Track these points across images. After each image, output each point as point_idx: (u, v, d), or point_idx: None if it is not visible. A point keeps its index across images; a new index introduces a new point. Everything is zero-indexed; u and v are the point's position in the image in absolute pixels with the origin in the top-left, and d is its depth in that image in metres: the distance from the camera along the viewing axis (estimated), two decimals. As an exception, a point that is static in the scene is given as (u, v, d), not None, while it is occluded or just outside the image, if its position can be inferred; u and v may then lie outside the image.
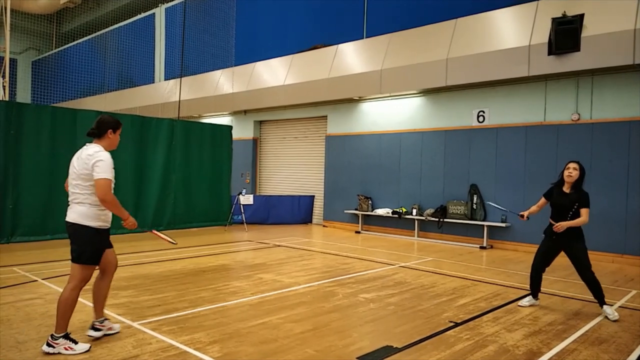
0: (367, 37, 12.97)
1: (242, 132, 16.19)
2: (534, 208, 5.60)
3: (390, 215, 11.86)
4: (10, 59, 15.59)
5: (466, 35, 10.47)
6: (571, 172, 5.27)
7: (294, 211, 13.94)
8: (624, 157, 8.83)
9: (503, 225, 10.13)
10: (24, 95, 24.61)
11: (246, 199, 12.89)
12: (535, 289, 5.64)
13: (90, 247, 3.90)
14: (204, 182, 12.43)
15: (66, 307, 3.81)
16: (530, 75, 9.47)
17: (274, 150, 15.97)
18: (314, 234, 12.14)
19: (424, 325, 4.78)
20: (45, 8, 24.65)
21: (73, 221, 3.90)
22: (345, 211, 13.07)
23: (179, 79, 15.95)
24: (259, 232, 12.15)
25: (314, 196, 14.28)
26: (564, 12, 8.82)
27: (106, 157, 3.88)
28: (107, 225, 4.06)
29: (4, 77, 14.26)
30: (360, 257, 8.81)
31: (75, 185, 3.91)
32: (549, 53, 9.03)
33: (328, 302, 5.54)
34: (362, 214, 12.58)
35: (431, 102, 11.67)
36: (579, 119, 9.41)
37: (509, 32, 9.86)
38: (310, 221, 14.22)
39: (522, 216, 5.57)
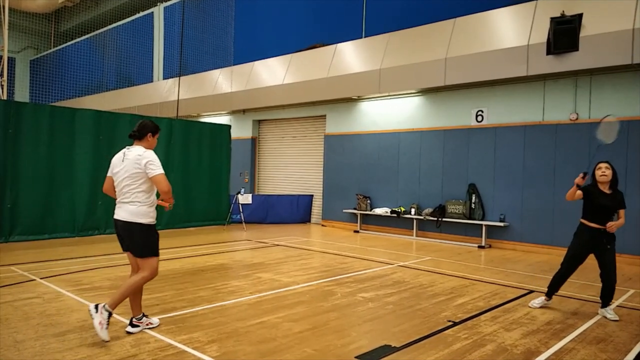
0: (365, 36, 12.97)
1: (240, 131, 16.18)
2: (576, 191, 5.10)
3: (389, 214, 11.86)
4: (9, 58, 15.56)
5: (465, 35, 10.47)
6: (604, 171, 5.09)
7: (292, 210, 13.94)
8: (622, 157, 8.83)
9: (501, 224, 10.14)
10: (22, 94, 24.58)
11: (245, 198, 12.89)
12: (553, 291, 5.47)
13: (148, 241, 4.24)
14: (202, 182, 12.43)
15: (128, 289, 4.16)
16: (529, 75, 9.48)
17: (273, 150, 15.96)
18: (312, 234, 12.14)
19: (422, 324, 4.78)
20: (44, 7, 24.59)
21: (125, 219, 4.18)
22: (344, 210, 13.07)
23: (177, 78, 15.95)
24: (258, 231, 12.15)
25: (312, 195, 14.28)
26: (563, 11, 8.83)
27: (154, 155, 4.24)
28: (155, 221, 4.31)
29: (2, 76, 14.24)
30: (358, 256, 8.81)
31: (125, 185, 4.19)
32: (548, 53, 9.04)
33: (327, 302, 5.54)
34: (360, 214, 12.58)
35: (430, 102, 11.68)
36: (577, 119, 9.42)
37: (507, 32, 9.87)
38: (309, 220, 14.22)
39: (585, 176, 5.02)
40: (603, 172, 5.09)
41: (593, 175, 5.20)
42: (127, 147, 4.31)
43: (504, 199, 10.28)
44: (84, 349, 3.87)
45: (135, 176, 4.14)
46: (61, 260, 7.68)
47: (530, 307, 5.50)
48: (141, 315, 4.39)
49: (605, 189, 5.13)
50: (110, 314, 4.02)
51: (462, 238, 10.86)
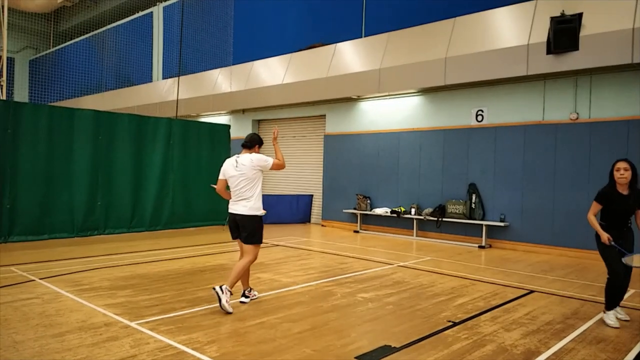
0: (365, 36, 12.95)
1: (240, 131, 16.12)
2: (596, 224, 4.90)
3: (389, 214, 11.85)
4: (8, 58, 15.55)
5: (465, 34, 10.46)
6: (622, 173, 4.78)
7: (292, 210, 13.92)
8: (622, 157, 8.78)
9: (502, 224, 10.13)
10: (21, 94, 24.57)
11: (244, 198, 12.83)
12: (619, 300, 4.96)
13: (260, 231, 5.21)
14: (202, 182, 12.36)
15: (241, 272, 5.13)
16: (529, 75, 9.46)
17: (272, 149, 15.90)
18: (312, 234, 12.12)
19: (422, 324, 4.77)
20: (43, 7, 24.57)
21: (245, 213, 5.12)
22: (344, 210, 13.06)
23: (176, 78, 15.93)
24: (257, 231, 12.12)
25: (312, 195, 14.26)
26: (563, 11, 8.82)
27: (260, 154, 5.39)
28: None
29: (1, 76, 14.23)
30: (358, 256, 8.80)
31: (243, 186, 5.13)
32: (548, 52, 9.03)
33: (326, 302, 5.53)
34: (360, 214, 12.57)
35: (430, 101, 11.66)
36: (577, 118, 9.41)
37: (507, 31, 9.86)
38: (309, 221, 14.21)
39: (610, 242, 4.77)
40: (622, 175, 4.79)
41: (611, 175, 4.90)
42: (237, 154, 5.29)
43: (504, 198, 10.27)
44: (83, 349, 3.86)
45: (253, 176, 5.14)
46: (60, 260, 7.67)
47: (610, 325, 4.83)
48: (250, 288, 5.49)
49: (624, 190, 4.84)
50: (231, 293, 4.95)
51: (462, 238, 10.85)
